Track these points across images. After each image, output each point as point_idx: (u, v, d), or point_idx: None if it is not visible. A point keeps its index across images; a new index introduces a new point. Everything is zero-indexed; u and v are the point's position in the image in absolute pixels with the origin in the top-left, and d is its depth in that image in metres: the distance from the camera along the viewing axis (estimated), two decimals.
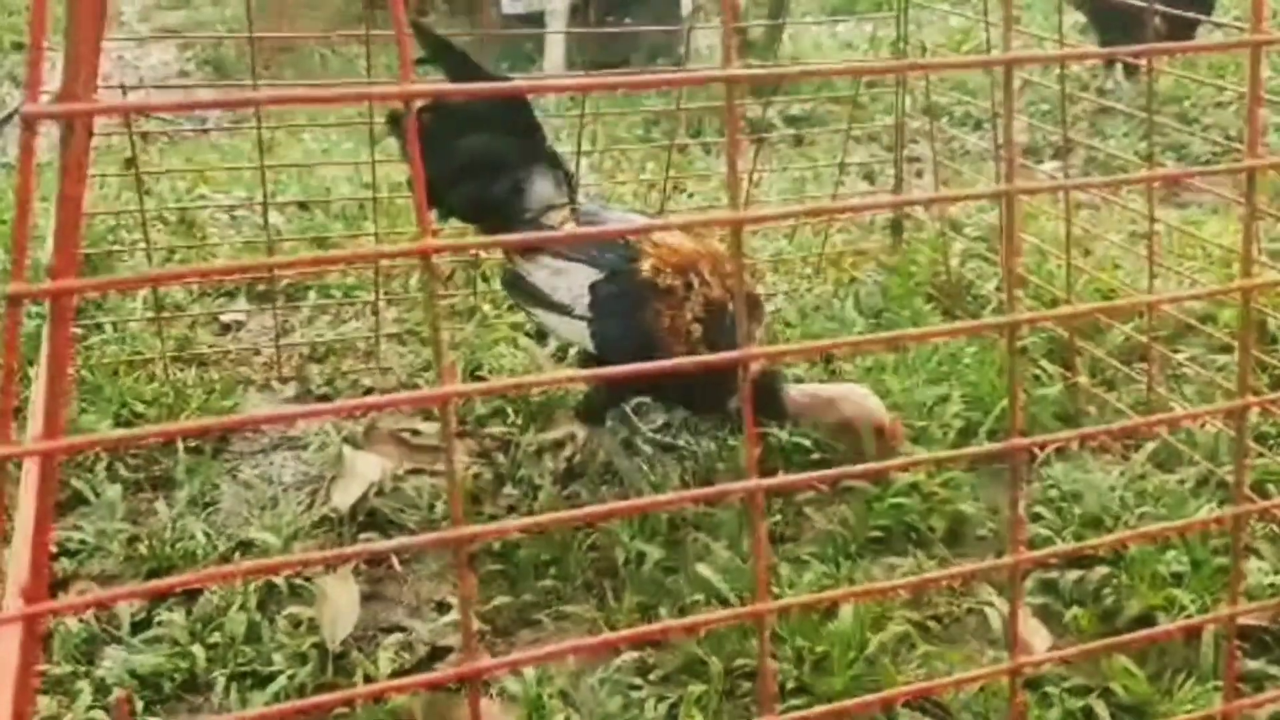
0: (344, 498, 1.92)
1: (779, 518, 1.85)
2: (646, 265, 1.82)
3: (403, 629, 1.68)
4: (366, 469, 1.98)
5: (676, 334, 1.80)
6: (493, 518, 1.88)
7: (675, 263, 1.82)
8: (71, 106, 0.58)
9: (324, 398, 2.27)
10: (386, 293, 2.50)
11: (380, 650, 1.62)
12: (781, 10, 4.19)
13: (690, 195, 3.15)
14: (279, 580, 1.72)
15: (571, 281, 1.84)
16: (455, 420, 2.10)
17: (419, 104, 0.57)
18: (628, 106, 3.74)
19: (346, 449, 2.03)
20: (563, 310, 1.86)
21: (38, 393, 0.71)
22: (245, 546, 1.83)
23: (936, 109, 3.23)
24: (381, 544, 0.56)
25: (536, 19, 4.39)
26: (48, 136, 0.73)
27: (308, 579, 1.73)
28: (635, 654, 1.59)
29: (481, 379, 2.28)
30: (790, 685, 1.53)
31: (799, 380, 2.16)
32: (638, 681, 1.56)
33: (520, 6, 4.46)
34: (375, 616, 1.70)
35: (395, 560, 1.79)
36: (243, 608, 1.66)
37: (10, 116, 3.62)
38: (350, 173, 3.09)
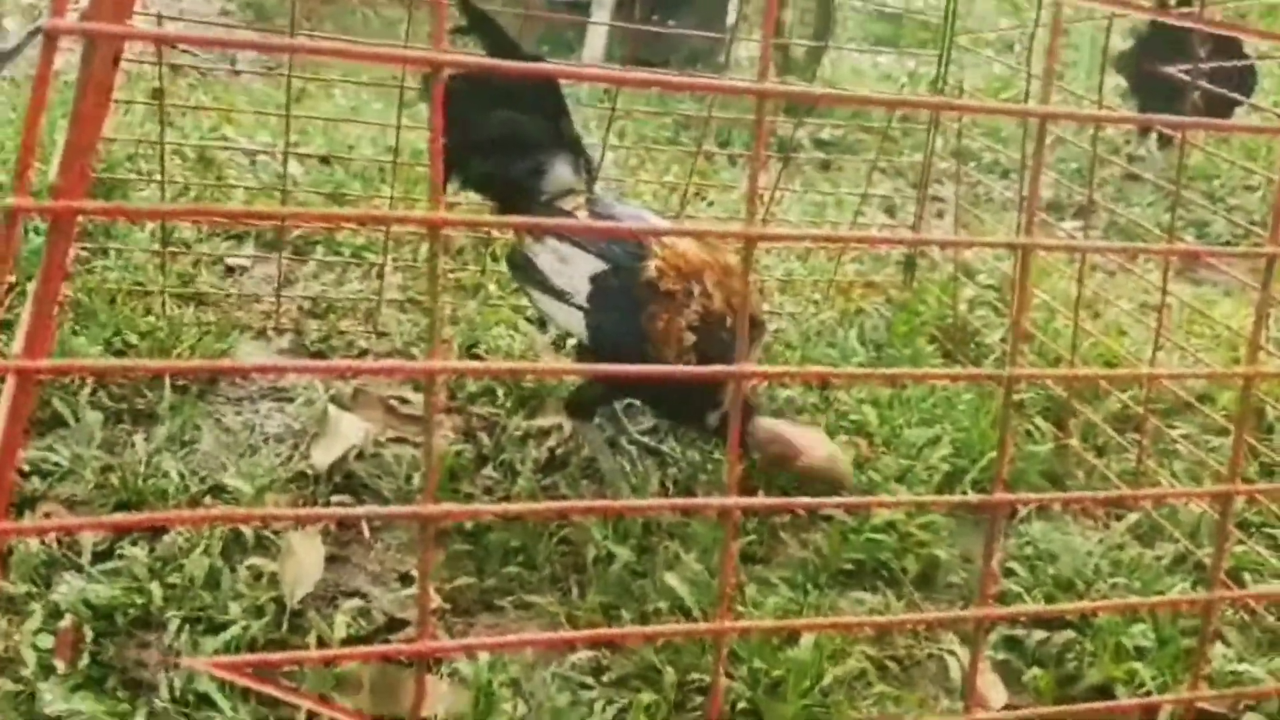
0: (323, 457, 1.91)
1: (753, 537, 1.84)
2: (651, 265, 1.81)
3: (363, 595, 1.67)
4: (349, 431, 1.97)
5: (668, 339, 1.79)
6: (469, 497, 1.88)
7: (680, 268, 1.81)
8: (95, 26, 0.57)
9: (318, 354, 2.26)
10: (394, 258, 2.49)
11: (338, 614, 1.61)
12: (826, 33, 4.18)
13: (710, 204, 3.15)
14: (246, 530, 1.71)
15: (574, 269, 1.83)
16: (444, 395, 2.10)
17: (451, 73, 0.57)
18: (660, 107, 3.74)
19: (332, 408, 2.02)
20: (561, 296, 1.85)
21: (28, 308, 0.71)
22: (217, 491, 1.82)
23: (966, 152, 3.22)
24: (352, 510, 0.55)
25: (582, 7, 4.38)
26: (74, 55, 0.72)
27: (275, 532, 1.72)
28: (591, 653, 1.58)
29: (478, 357, 2.28)
30: (742, 705, 1.53)
31: (790, 400, 2.16)
32: (590, 681, 1.55)
33: None
34: (337, 579, 1.70)
35: (365, 526, 1.79)
36: (206, 552, 1.65)
37: (36, 32, 3.60)
38: (375, 133, 3.08)
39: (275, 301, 2.32)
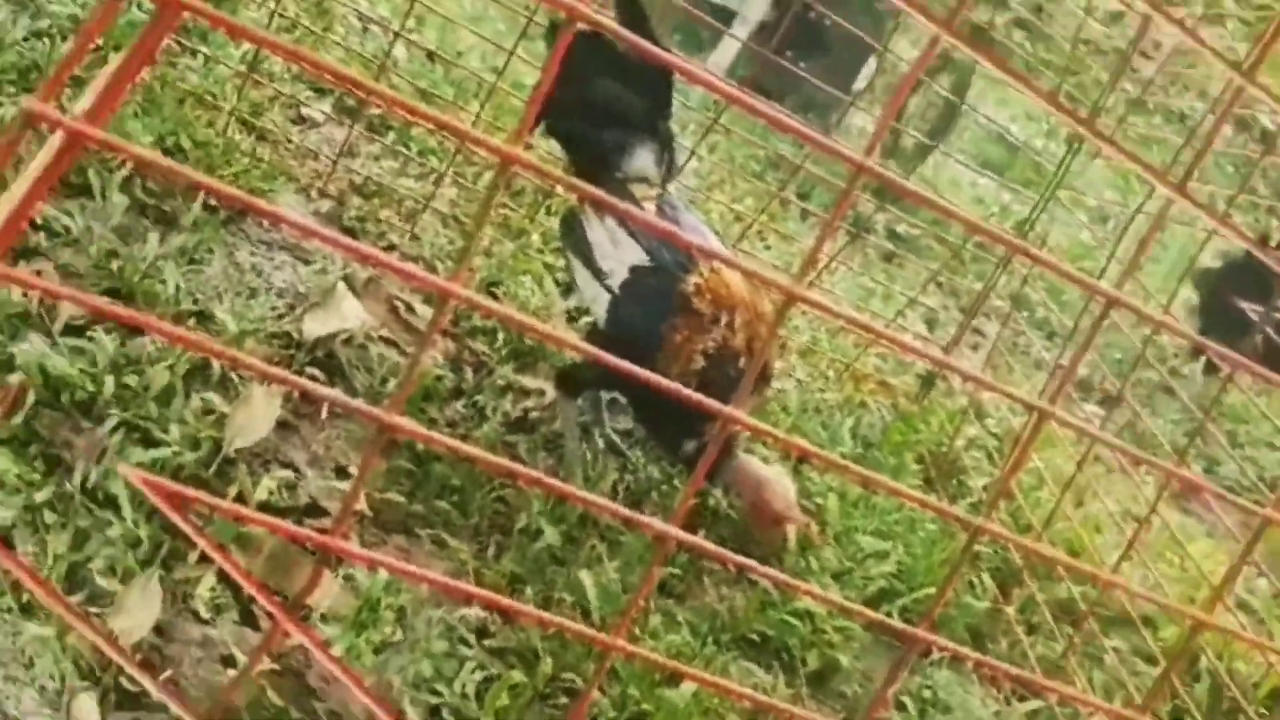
0: (315, 327, 1.91)
1: (678, 572, 1.84)
2: (692, 281, 1.81)
3: (296, 471, 1.67)
4: (349, 313, 1.97)
5: (679, 355, 1.79)
6: (432, 422, 1.88)
7: (718, 294, 1.81)
8: None
9: (349, 231, 2.26)
10: (456, 172, 2.49)
11: (266, 477, 1.61)
12: (942, 134, 4.18)
13: (768, 247, 3.15)
14: (215, 364, 1.71)
15: (620, 255, 1.84)
16: (447, 319, 2.10)
17: (581, 26, 0.57)
18: (759, 138, 3.74)
19: (341, 286, 2.02)
20: (598, 274, 1.85)
21: (103, 75, 0.71)
22: (204, 317, 1.82)
23: (1023, 300, 3.22)
24: (320, 388, 0.55)
25: (727, 16, 4.39)
26: None
27: (241, 377, 1.72)
28: (482, 614, 1.58)
29: (495, 297, 2.28)
30: None
31: (764, 459, 2.15)
32: (471, 640, 1.55)
33: None
34: (279, 446, 1.70)
35: (325, 408, 1.79)
36: (170, 369, 1.65)
37: None
38: (487, 50, 3.08)
39: (331, 166, 2.32)
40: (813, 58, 4.20)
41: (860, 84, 4.35)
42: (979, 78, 4.42)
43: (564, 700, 1.53)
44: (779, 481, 1.86)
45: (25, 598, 1.30)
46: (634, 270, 1.82)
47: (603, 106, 1.90)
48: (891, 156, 4.13)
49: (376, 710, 0.53)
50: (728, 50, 4.34)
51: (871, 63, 4.35)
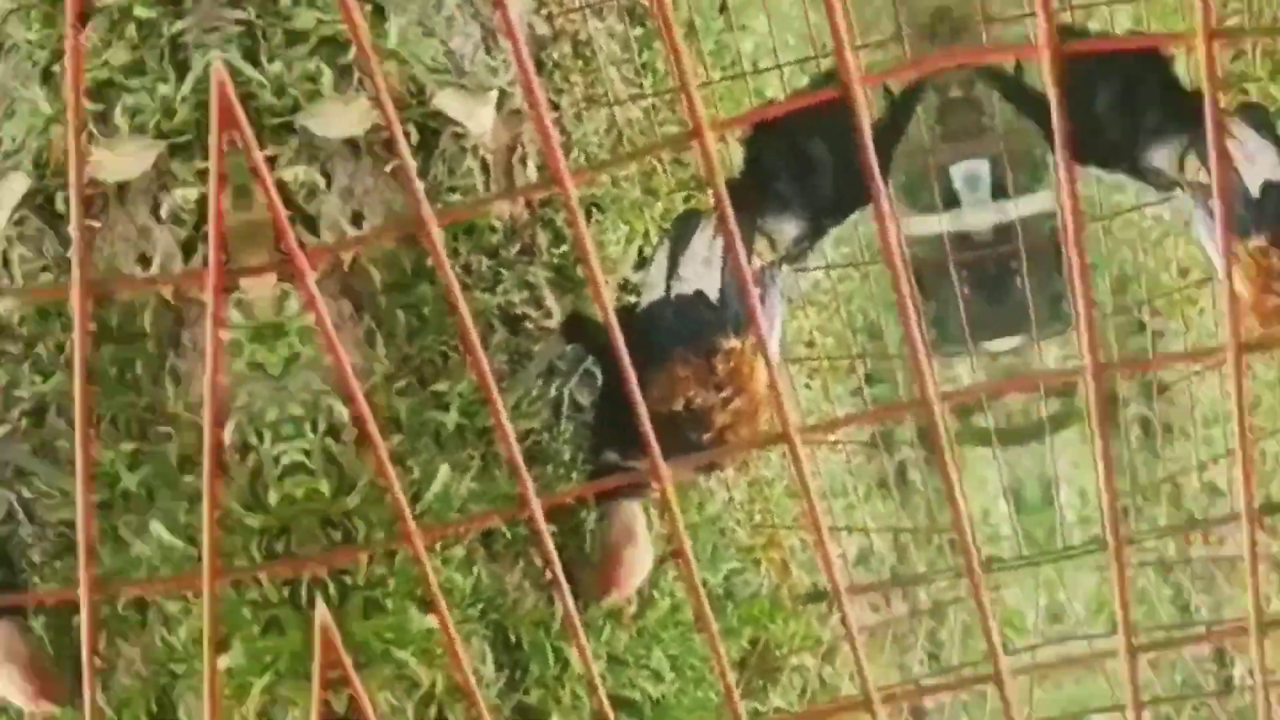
0: (445, 102, 1.91)
1: (509, 537, 1.83)
2: (733, 343, 1.80)
3: (328, 187, 1.68)
4: (479, 120, 1.97)
5: (670, 385, 1.77)
6: (455, 252, 1.89)
7: (740, 371, 1.80)
8: None
9: (539, 63, 2.26)
10: (655, 103, 2.49)
11: (300, 168, 1.62)
12: (1011, 444, 4.18)
13: (808, 386, 3.15)
14: (350, 55, 1.71)
15: (702, 274, 1.84)
16: (540, 196, 2.11)
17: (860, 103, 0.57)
18: (880, 305, 3.73)
19: (493, 95, 2.01)
20: (672, 271, 1.86)
21: None
22: (377, 12, 1.82)
23: (940, 612, 3.21)
24: (405, 149, 0.55)
25: (953, 200, 4.39)
26: None
27: (361, 85, 1.72)
28: (348, 420, 1.58)
29: (588, 217, 2.28)
30: (351, 591, 1.53)
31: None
32: (322, 428, 1.56)
33: (962, 172, 4.46)
34: (331, 157, 1.70)
35: (392, 166, 1.79)
36: (320, 23, 1.65)
37: None
38: (764, 48, 3.07)
39: (576, 7, 2.33)
40: (979, 296, 4.20)
41: (993, 348, 4.34)
42: (1076, 432, 4.42)
43: (337, 536, 1.53)
44: (645, 552, 1.84)
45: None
46: (698, 294, 1.83)
47: (802, 163, 1.90)
48: (958, 419, 4.13)
49: (208, 400, 0.53)
50: (926, 226, 4.34)
51: (1015, 341, 4.35)
